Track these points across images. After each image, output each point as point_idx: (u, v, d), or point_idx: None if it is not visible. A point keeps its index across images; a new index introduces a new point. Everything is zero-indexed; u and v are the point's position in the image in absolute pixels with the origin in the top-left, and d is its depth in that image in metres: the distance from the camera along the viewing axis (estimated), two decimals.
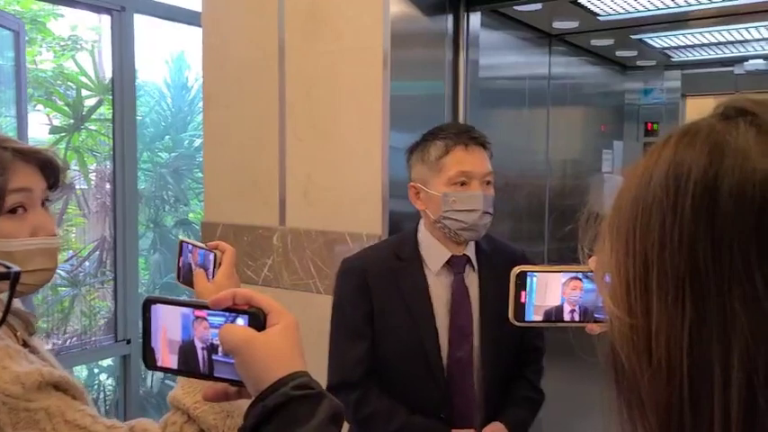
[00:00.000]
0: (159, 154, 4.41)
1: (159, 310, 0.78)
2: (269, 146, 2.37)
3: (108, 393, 4.07)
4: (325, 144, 2.25)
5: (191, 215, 4.43)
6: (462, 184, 1.63)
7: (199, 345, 0.77)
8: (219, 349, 0.76)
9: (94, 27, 4.38)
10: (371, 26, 2.13)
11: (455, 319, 1.67)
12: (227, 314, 0.76)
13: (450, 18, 2.30)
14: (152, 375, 4.21)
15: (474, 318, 1.68)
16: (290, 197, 2.34)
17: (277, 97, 2.34)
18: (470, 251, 1.72)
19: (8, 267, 0.52)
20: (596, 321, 0.96)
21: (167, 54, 4.56)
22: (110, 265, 3.63)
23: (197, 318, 0.77)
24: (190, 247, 1.29)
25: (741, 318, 0.46)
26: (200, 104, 3.15)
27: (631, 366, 0.51)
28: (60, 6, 4.03)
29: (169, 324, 0.78)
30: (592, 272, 0.95)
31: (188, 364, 0.78)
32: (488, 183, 1.66)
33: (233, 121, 2.47)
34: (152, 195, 4.32)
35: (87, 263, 4.02)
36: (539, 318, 1.01)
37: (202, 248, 1.26)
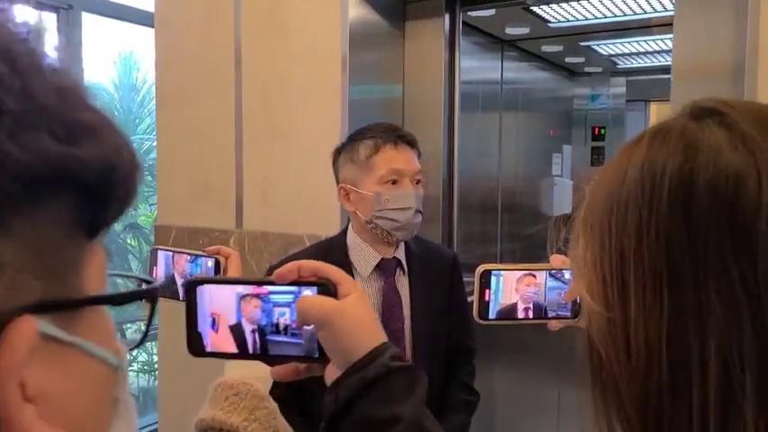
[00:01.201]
0: None
1: (206, 291, 0.73)
2: (225, 147, 2.34)
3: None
4: (283, 146, 2.24)
5: (141, 218, 4.33)
6: (393, 182, 1.61)
7: (255, 325, 0.72)
8: (283, 326, 0.72)
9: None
10: (329, 29, 2.13)
11: (387, 323, 1.62)
12: (293, 288, 0.72)
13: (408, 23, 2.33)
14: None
15: (406, 322, 1.65)
16: (248, 199, 2.32)
17: (233, 98, 2.32)
18: (401, 254, 1.69)
19: (148, 282, 0.47)
20: (558, 318, 0.99)
21: (115, 54, 4.46)
22: None
23: (250, 296, 0.72)
24: (170, 255, 1.17)
25: (717, 309, 0.48)
26: (151, 106, 3.10)
27: (609, 359, 0.52)
28: (2, 3, 3.90)
29: (220, 305, 0.73)
30: (555, 269, 0.99)
31: (244, 347, 0.73)
32: (418, 182, 1.64)
33: (187, 122, 2.44)
34: None
35: None
36: (502, 316, 1.02)
37: (197, 255, 1.15)
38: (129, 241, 4.35)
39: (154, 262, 1.19)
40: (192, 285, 0.73)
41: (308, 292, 0.72)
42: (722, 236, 0.48)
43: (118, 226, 4.32)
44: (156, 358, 3.78)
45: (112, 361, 0.40)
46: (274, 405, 0.90)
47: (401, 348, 1.64)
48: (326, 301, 0.70)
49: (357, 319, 0.70)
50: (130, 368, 4.38)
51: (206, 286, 0.73)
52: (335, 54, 2.12)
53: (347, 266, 1.65)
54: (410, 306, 1.66)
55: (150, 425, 3.79)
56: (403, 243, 1.70)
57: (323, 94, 2.16)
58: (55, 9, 3.06)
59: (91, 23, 3.45)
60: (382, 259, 1.66)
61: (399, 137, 1.64)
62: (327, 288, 0.71)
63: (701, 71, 1.84)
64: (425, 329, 1.63)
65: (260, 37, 2.26)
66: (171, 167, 2.50)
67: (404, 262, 1.68)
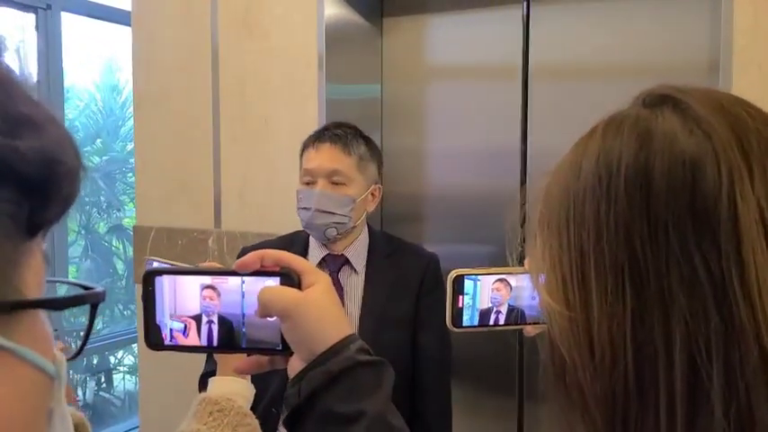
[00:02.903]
0: (90, 158, 4.27)
1: (165, 282, 0.70)
2: (202, 147, 2.33)
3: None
4: (261, 145, 2.23)
5: (125, 221, 4.30)
6: (308, 183, 1.61)
7: (216, 316, 0.70)
8: (245, 318, 0.70)
9: (19, 26, 4.23)
10: (305, 27, 2.12)
11: None
12: (254, 278, 0.70)
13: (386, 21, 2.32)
14: (84, 385, 4.07)
15: (352, 319, 1.60)
16: (225, 199, 2.31)
17: (210, 98, 2.31)
18: (354, 251, 1.65)
19: (88, 288, 0.44)
20: (533, 323, 0.98)
21: (97, 55, 4.43)
22: None
23: (210, 287, 0.70)
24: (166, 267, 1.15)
25: (681, 299, 0.46)
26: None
27: (573, 361, 0.51)
28: None
29: (179, 296, 0.70)
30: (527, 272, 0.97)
31: (207, 339, 0.70)
32: (336, 183, 1.59)
33: (165, 122, 2.42)
34: (83, 201, 4.18)
35: None
36: (476, 322, 1.00)
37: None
38: (113, 243, 4.32)
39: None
40: (149, 276, 0.71)
41: (270, 282, 0.70)
42: (683, 223, 0.47)
43: (102, 228, 4.29)
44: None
45: (49, 369, 0.38)
46: (256, 422, 0.90)
47: None
48: (289, 291, 0.68)
49: (321, 310, 0.68)
50: (116, 371, 4.36)
51: (165, 277, 0.71)
52: (311, 52, 2.11)
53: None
54: (360, 307, 1.61)
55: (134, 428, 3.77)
56: (366, 240, 1.68)
57: (300, 94, 2.15)
58: (33, 9, 3.04)
59: (72, 24, 3.43)
60: (328, 254, 1.65)
61: (320, 135, 1.63)
62: (290, 278, 0.70)
63: None
64: (373, 332, 1.54)
65: (236, 35, 2.25)
66: (149, 168, 2.48)
67: (354, 260, 1.64)
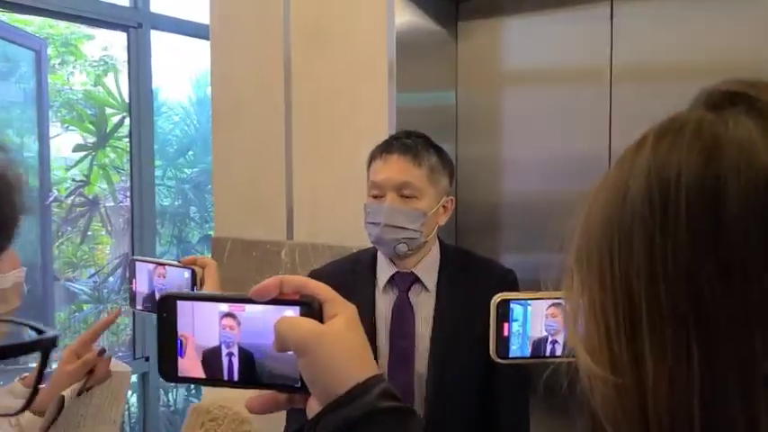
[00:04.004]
0: (183, 170, 4.43)
1: (179, 308, 0.66)
2: (276, 158, 2.33)
3: (133, 411, 4.07)
4: (332, 156, 2.20)
5: (213, 231, 4.43)
6: (376, 196, 1.54)
7: (232, 348, 0.65)
8: (262, 350, 0.64)
9: (125, 46, 4.46)
10: (376, 36, 2.08)
11: (395, 341, 1.52)
12: (273, 306, 0.63)
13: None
14: (175, 392, 4.20)
15: (422, 342, 1.52)
16: (298, 211, 2.30)
17: (283, 110, 2.31)
18: (423, 268, 1.56)
19: (41, 332, 0.41)
20: None
21: (192, 71, 4.60)
22: None
23: (226, 315, 0.65)
24: (150, 266, 1.13)
25: (766, 356, 0.36)
26: None
27: None
28: (91, 28, 4.10)
29: (192, 324, 0.66)
30: None
31: (219, 372, 0.65)
32: (406, 196, 1.50)
33: (241, 135, 2.45)
34: (176, 212, 4.34)
35: (111, 279, 4.05)
36: (525, 353, 0.90)
37: (173, 266, 1.11)
38: (204, 253, 4.46)
39: (132, 274, 1.16)
40: (165, 301, 0.67)
41: (289, 311, 0.63)
42: (766, 260, 0.36)
43: (194, 237, 4.44)
44: None
45: None
46: (257, 428, 0.84)
47: (408, 370, 1.51)
48: (308, 323, 0.60)
49: (342, 345, 0.59)
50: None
51: (182, 303, 0.66)
52: (382, 61, 2.06)
53: (371, 277, 1.59)
54: (432, 327, 1.53)
55: None
56: (437, 256, 1.60)
57: (370, 103, 2.11)
58: (125, 28, 3.16)
59: (167, 40, 3.56)
60: (397, 273, 1.57)
61: (389, 146, 1.55)
62: (311, 308, 0.62)
63: None
64: (444, 354, 1.48)
65: (307, 48, 2.24)
66: (226, 180, 2.52)
67: (425, 277, 1.56)
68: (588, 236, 0.44)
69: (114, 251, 4.16)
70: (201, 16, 3.53)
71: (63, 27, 4.62)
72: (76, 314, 3.94)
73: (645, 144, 0.43)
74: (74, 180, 4.01)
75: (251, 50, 2.40)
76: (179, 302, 0.66)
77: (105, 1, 3.09)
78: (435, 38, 2.21)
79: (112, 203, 4.10)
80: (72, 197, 3.88)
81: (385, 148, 1.56)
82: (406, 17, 2.11)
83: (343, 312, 0.61)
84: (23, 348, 0.38)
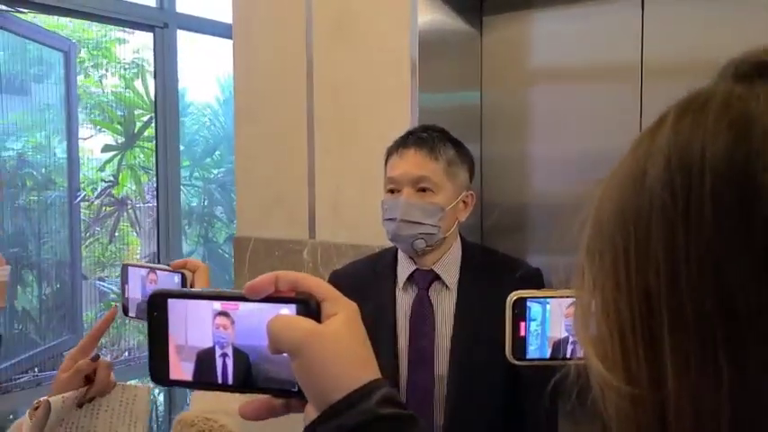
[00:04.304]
0: (210, 170, 4.45)
1: (171, 307, 0.62)
2: (297, 157, 2.31)
3: (160, 411, 4.10)
4: (354, 155, 2.17)
5: None
6: (392, 191, 1.50)
7: (225, 349, 0.61)
8: (256, 352, 0.60)
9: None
10: (399, 33, 2.04)
11: (414, 340, 1.48)
12: (268, 305, 0.59)
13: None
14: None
15: (443, 342, 1.48)
16: (319, 210, 2.27)
17: (305, 108, 2.28)
18: (444, 265, 1.52)
19: None
20: None
21: (219, 72, 4.62)
22: None
23: (219, 314, 0.61)
24: (143, 272, 1.09)
25: None
26: None
27: None
28: (123, 32, 4.14)
29: (183, 324, 0.62)
30: None
31: (212, 374, 0.61)
32: (424, 189, 1.46)
33: (263, 133, 2.43)
34: (203, 212, 4.36)
35: None
36: (544, 355, 0.85)
37: (163, 270, 1.06)
38: (230, 253, 4.47)
39: (125, 279, 1.12)
40: (155, 299, 0.62)
41: (285, 310, 0.58)
42: None
43: (220, 237, 4.45)
44: None
45: None
46: None
47: (428, 370, 1.47)
48: (303, 322, 0.55)
49: (339, 346, 0.54)
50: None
51: (173, 301, 0.62)
52: (404, 58, 2.02)
53: (391, 275, 1.55)
54: (453, 326, 1.48)
55: None
56: (458, 253, 1.55)
57: (393, 101, 2.07)
58: (151, 28, 3.17)
59: (194, 41, 3.57)
60: (416, 270, 1.53)
61: (405, 140, 1.51)
62: (308, 306, 0.57)
63: None
64: (465, 353, 1.44)
65: (330, 46, 2.21)
66: (248, 180, 2.50)
67: (445, 275, 1.52)
68: (600, 227, 0.39)
69: (142, 251, 4.19)
70: (227, 16, 3.53)
71: (95, 31, 4.68)
72: (104, 313, 3.98)
73: (664, 122, 0.38)
74: (103, 180, 4.05)
75: (273, 47, 2.38)
76: (170, 300, 0.62)
77: (132, 1, 3.11)
78: (459, 34, 2.16)
79: (140, 204, 4.14)
80: (101, 197, 3.92)
81: (401, 143, 1.53)
82: (430, 13, 2.06)
83: (342, 311, 0.56)
84: None
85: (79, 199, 3.50)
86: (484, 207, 2.18)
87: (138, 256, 4.22)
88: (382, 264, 1.57)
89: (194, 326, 0.62)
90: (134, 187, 4.13)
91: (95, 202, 3.93)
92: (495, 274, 1.52)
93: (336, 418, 0.52)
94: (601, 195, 0.40)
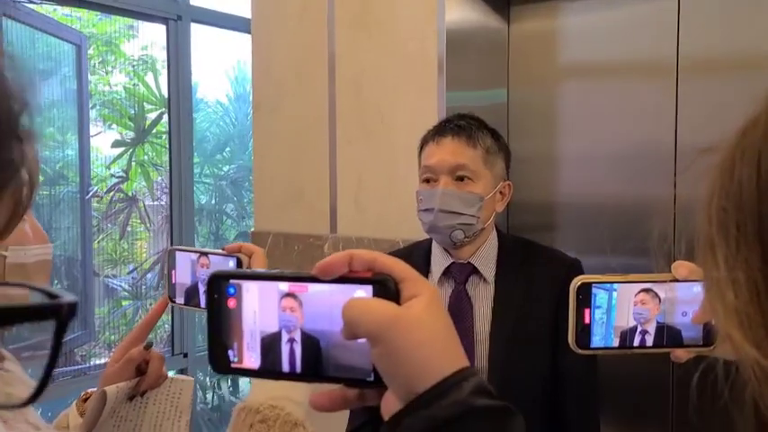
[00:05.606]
0: (221, 167, 4.40)
1: (233, 289, 0.57)
2: (319, 151, 2.26)
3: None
4: (377, 149, 2.13)
5: (249, 228, 4.40)
6: (428, 181, 1.46)
7: (293, 334, 0.56)
8: (329, 337, 0.55)
9: (164, 41, 4.45)
10: (424, 26, 2.00)
11: None
12: (341, 285, 0.54)
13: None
14: (213, 390, 4.17)
15: (481, 336, 1.43)
16: (341, 204, 2.22)
17: (327, 101, 2.24)
18: (482, 258, 1.47)
19: (55, 296, 0.35)
20: (685, 346, 0.78)
21: (229, 67, 4.57)
22: None
23: (286, 296, 0.55)
24: (192, 256, 1.04)
25: None
26: None
27: None
28: (132, 27, 4.09)
29: (247, 308, 0.56)
30: (677, 280, 0.76)
31: (278, 362, 0.56)
32: (462, 178, 1.42)
33: (282, 126, 2.39)
34: (213, 209, 4.31)
35: (150, 275, 4.03)
36: (612, 343, 0.81)
37: (217, 254, 1.03)
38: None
39: (172, 265, 1.06)
40: (215, 281, 0.57)
41: (360, 292, 0.53)
42: None
43: (231, 234, 4.40)
44: None
45: None
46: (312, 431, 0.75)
47: None
48: (383, 305, 0.51)
49: (424, 332, 0.50)
50: None
51: (230, 283, 0.57)
52: (431, 52, 1.98)
53: (425, 269, 1.51)
54: (490, 322, 1.43)
55: None
56: (495, 245, 1.50)
57: (417, 94, 2.03)
58: (164, 20, 3.13)
59: (205, 35, 3.52)
60: (453, 263, 1.48)
61: (441, 128, 1.47)
62: (386, 287, 0.52)
63: None
64: (505, 347, 1.39)
65: (353, 38, 2.17)
66: (267, 173, 2.46)
67: (483, 268, 1.47)
68: (739, 201, 0.35)
69: (153, 248, 4.14)
70: (241, 9, 3.49)
71: (108, 24, 4.63)
72: (116, 310, 3.93)
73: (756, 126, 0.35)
74: (113, 176, 4.00)
75: (293, 40, 2.33)
76: (232, 282, 0.57)
77: None
78: (486, 29, 2.11)
79: (150, 201, 4.09)
80: (111, 193, 3.87)
81: (438, 131, 1.48)
82: (456, 7, 2.02)
83: (423, 293, 0.52)
84: (30, 313, 0.30)
85: (90, 195, 3.45)
86: (511, 207, 2.14)
87: (147, 253, 4.17)
88: (415, 258, 1.53)
89: (259, 309, 0.57)
90: (144, 183, 4.08)
91: (105, 197, 3.89)
92: (533, 266, 1.48)
93: (426, 408, 0.48)
94: (730, 170, 0.36)
